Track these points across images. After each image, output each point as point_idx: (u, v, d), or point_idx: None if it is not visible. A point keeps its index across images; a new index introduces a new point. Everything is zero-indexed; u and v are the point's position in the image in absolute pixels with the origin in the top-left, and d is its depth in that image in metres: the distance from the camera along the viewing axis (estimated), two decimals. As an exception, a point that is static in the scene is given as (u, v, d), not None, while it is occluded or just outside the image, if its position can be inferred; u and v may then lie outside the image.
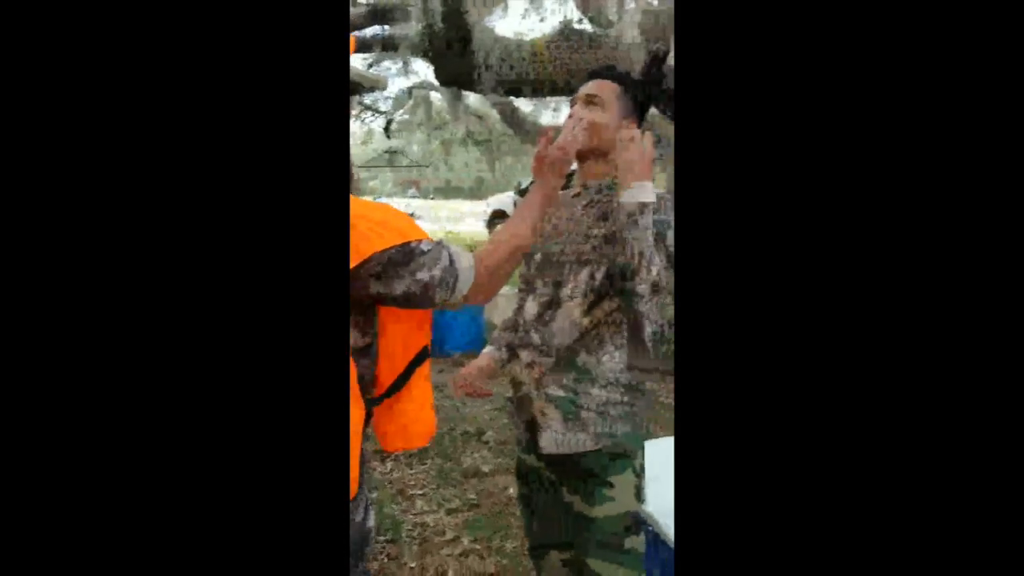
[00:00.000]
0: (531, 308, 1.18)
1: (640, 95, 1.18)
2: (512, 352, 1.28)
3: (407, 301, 0.83)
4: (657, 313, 1.08)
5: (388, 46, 3.30)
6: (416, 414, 0.92)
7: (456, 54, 2.55)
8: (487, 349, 1.32)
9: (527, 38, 2.87)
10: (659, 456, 1.09)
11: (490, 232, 11.02)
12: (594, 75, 1.18)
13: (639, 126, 1.16)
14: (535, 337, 1.15)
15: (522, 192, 10.04)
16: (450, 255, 0.84)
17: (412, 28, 2.48)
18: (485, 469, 2.42)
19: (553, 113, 9.36)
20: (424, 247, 0.82)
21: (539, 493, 1.24)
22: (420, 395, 0.93)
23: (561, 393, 1.11)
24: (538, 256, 1.18)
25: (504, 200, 10.66)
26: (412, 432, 0.93)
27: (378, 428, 0.95)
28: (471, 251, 0.88)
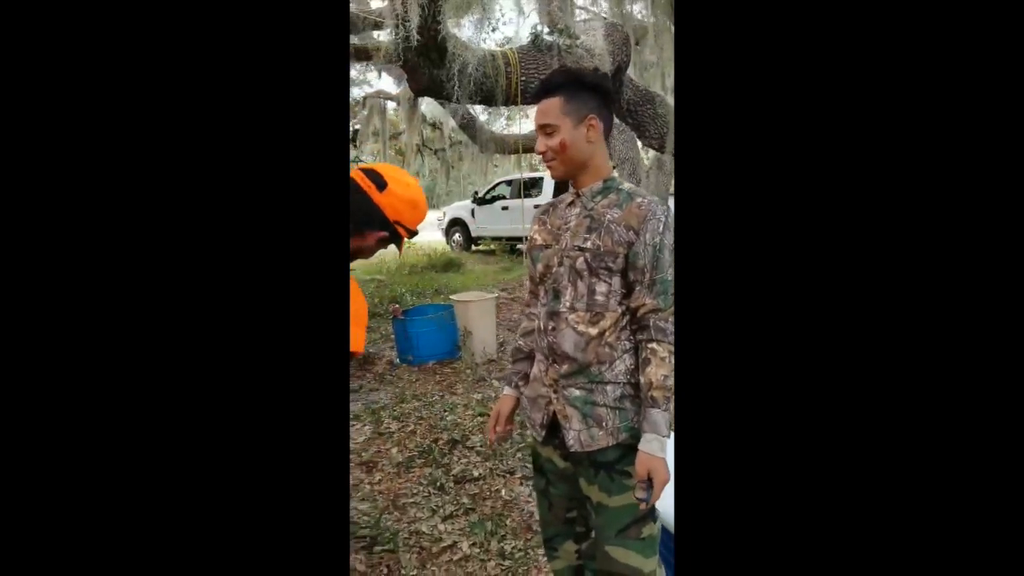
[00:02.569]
0: (542, 317, 1.21)
1: (585, 90, 1.14)
2: (529, 356, 1.32)
3: None
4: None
5: (361, 55, 3.29)
6: None
7: (431, 64, 2.58)
8: (506, 390, 1.35)
9: (496, 48, 2.93)
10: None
11: (447, 240, 10.97)
12: (535, 98, 1.17)
13: (610, 113, 1.17)
14: (544, 345, 1.19)
15: (478, 200, 10.08)
16: None
17: (387, 37, 2.49)
18: (475, 473, 2.43)
19: (506, 122, 9.47)
20: None
21: (556, 484, 1.28)
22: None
23: (577, 393, 1.15)
24: (540, 266, 1.21)
25: (461, 208, 10.67)
26: None
27: None
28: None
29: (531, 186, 9.08)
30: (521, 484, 2.33)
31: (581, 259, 1.13)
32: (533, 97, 1.19)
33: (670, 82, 6.18)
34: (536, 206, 7.44)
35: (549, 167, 1.18)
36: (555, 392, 1.18)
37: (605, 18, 4.17)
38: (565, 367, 1.15)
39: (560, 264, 1.16)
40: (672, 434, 1.13)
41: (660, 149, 4.20)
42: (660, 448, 1.06)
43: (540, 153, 1.16)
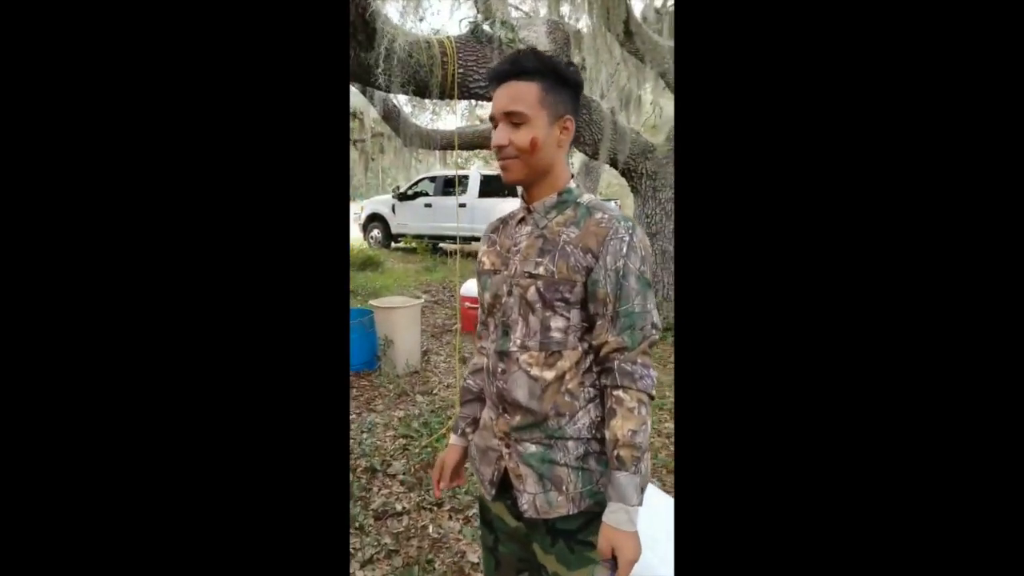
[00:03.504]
0: (491, 355, 1.00)
1: (566, 85, 0.94)
2: (478, 398, 1.11)
3: None
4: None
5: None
6: None
7: (359, 46, 2.28)
8: (452, 438, 1.13)
9: (431, 35, 2.67)
10: (647, 513, 0.98)
11: (365, 236, 10.43)
12: (502, 76, 0.93)
13: (576, 117, 0.96)
14: (493, 390, 0.99)
15: (400, 196, 9.67)
16: None
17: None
18: (399, 507, 2.18)
19: (432, 116, 9.15)
20: None
21: (506, 543, 1.09)
22: None
23: (533, 449, 0.95)
24: (488, 295, 1.00)
25: (381, 203, 10.19)
26: None
27: None
28: None
29: (456, 184, 8.84)
30: (451, 519, 2.11)
31: (533, 288, 0.92)
32: (498, 76, 0.93)
33: (596, 88, 6.19)
34: (462, 205, 7.19)
35: (505, 167, 0.93)
36: (507, 446, 0.97)
37: (546, 17, 4.04)
38: (518, 418, 0.95)
39: (509, 294, 0.95)
40: (642, 493, 0.96)
41: (594, 156, 4.13)
42: (628, 520, 0.87)
43: (499, 147, 0.92)
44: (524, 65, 0.92)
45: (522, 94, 0.90)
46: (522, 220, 1.00)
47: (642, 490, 0.90)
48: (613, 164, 4.30)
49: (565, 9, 4.43)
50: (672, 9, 6.36)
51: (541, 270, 0.92)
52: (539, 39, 2.80)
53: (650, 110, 8.06)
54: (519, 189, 1.00)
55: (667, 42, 4.74)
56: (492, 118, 0.93)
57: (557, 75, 0.92)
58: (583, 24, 4.53)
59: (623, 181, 4.82)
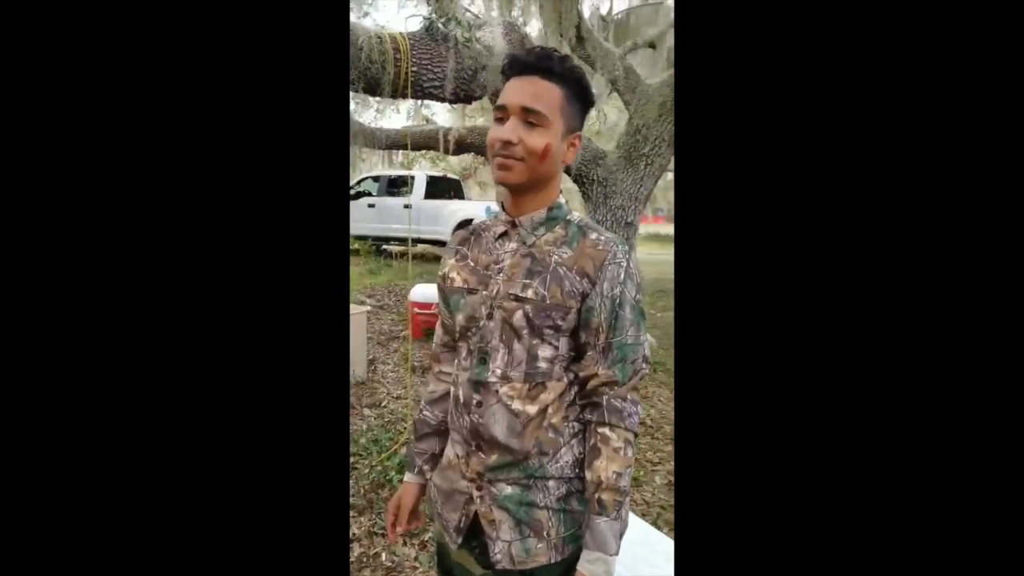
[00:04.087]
0: (463, 386, 0.90)
1: (585, 101, 0.87)
2: (439, 432, 1.01)
3: None
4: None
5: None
6: None
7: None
8: (408, 476, 1.03)
9: (383, 30, 2.52)
10: (634, 550, 0.92)
11: (304, 237, 9.96)
12: (525, 68, 0.83)
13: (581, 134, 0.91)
14: (465, 424, 0.89)
15: (352, 196, 9.33)
16: None
17: None
18: (355, 531, 2.04)
19: (376, 115, 8.85)
20: None
21: None
22: None
23: (509, 490, 0.86)
24: (461, 317, 0.90)
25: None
26: None
27: None
28: None
29: (401, 184, 8.60)
30: (406, 545, 1.99)
31: (519, 312, 0.83)
32: (520, 67, 0.84)
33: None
34: (406, 206, 6.98)
35: (506, 166, 0.83)
36: (478, 488, 0.88)
37: (501, 18, 3.96)
38: (494, 457, 0.86)
39: (490, 317, 0.86)
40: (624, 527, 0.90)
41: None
42: (606, 572, 0.81)
43: (504, 143, 0.81)
44: (551, 65, 0.83)
45: (545, 95, 0.82)
46: (504, 235, 0.90)
47: (620, 536, 0.84)
48: (566, 170, 4.28)
49: (516, 12, 4.38)
50: (618, 17, 6.46)
51: (530, 293, 0.83)
52: (495, 39, 2.72)
53: (594, 115, 8.16)
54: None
55: (617, 49, 4.79)
56: (501, 108, 0.83)
57: (579, 87, 0.85)
58: (532, 28, 4.50)
59: (572, 186, 4.82)
